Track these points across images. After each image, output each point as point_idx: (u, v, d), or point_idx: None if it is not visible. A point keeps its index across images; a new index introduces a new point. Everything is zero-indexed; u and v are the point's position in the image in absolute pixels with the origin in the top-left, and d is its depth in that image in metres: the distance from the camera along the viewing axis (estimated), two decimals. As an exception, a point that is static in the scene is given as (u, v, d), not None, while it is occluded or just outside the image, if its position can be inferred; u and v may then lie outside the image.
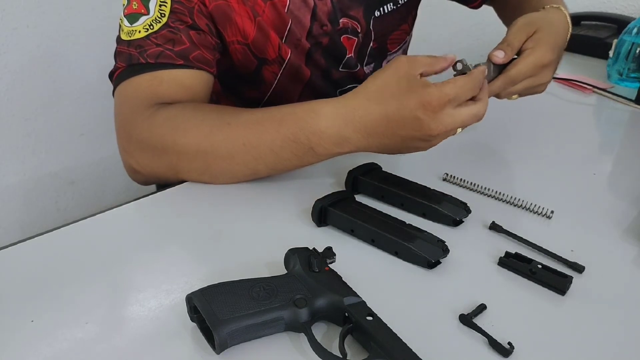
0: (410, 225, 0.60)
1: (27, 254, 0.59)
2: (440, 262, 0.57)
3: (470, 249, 0.59)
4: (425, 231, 0.59)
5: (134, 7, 0.72)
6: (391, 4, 0.89)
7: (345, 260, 0.54)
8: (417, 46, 1.10)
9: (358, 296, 0.49)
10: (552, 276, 0.54)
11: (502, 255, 0.57)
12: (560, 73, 0.92)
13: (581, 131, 0.91)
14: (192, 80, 0.73)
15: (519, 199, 0.67)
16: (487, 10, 1.05)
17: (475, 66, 0.64)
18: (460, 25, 1.68)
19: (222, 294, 0.47)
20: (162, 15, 0.72)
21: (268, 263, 0.56)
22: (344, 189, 0.69)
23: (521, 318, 0.51)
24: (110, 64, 0.75)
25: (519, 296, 0.54)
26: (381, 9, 0.88)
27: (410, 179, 0.68)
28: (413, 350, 0.44)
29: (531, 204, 0.66)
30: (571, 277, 0.54)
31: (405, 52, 1.03)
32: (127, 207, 0.68)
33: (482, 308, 0.51)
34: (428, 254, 0.56)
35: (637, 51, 1.05)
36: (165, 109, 0.70)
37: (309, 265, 0.51)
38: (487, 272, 0.57)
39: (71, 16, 1.35)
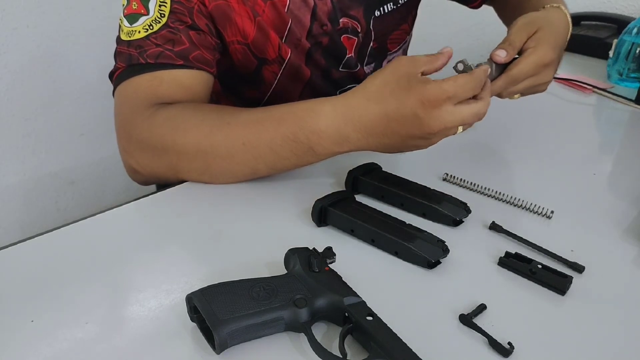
0: (410, 225, 0.60)
1: (27, 254, 0.59)
2: (440, 262, 0.57)
3: (470, 249, 0.59)
4: (425, 231, 0.59)
5: (134, 8, 0.72)
6: (391, 3, 0.89)
7: (345, 260, 0.54)
8: (417, 46, 1.09)
9: (358, 296, 0.49)
10: (552, 276, 0.54)
11: (502, 255, 0.57)
12: (560, 73, 0.92)
13: (581, 131, 0.91)
14: (192, 80, 0.73)
15: (519, 199, 0.67)
16: (487, 10, 1.05)
17: (477, 66, 0.64)
18: (460, 25, 1.68)
19: (222, 294, 0.47)
20: (162, 15, 0.72)
21: (268, 263, 0.56)
22: (344, 189, 0.69)
23: (521, 318, 0.51)
24: (110, 64, 0.75)
25: (519, 296, 0.54)
26: (381, 8, 0.88)
27: (410, 179, 0.68)
28: (413, 350, 0.44)
29: (531, 204, 0.66)
30: (571, 277, 0.54)
31: (405, 52, 1.03)
32: (127, 207, 0.68)
33: (482, 308, 0.51)
34: (428, 254, 0.56)
35: (637, 51, 1.05)
36: (165, 109, 0.70)
37: (309, 265, 0.51)
38: (487, 272, 0.57)
39: (71, 16, 1.35)
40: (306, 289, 0.49)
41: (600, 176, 0.77)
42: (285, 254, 0.53)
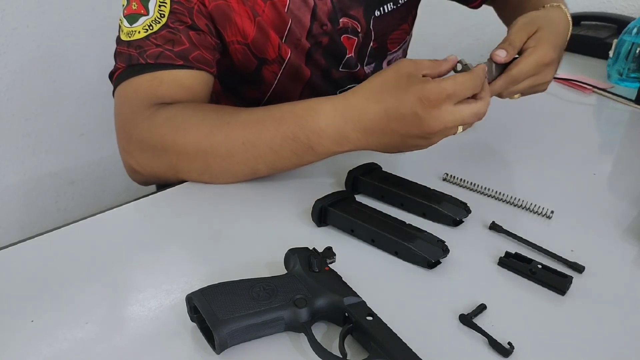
0: (410, 225, 0.60)
1: (27, 254, 0.59)
2: (440, 262, 0.57)
3: (470, 249, 0.59)
4: (425, 231, 0.59)
5: (134, 8, 0.72)
6: (391, 3, 0.89)
7: (345, 260, 0.54)
8: (417, 46, 1.10)
9: (358, 296, 0.49)
10: (552, 276, 0.54)
11: (502, 255, 0.57)
12: (560, 73, 0.92)
13: (581, 131, 0.91)
14: (191, 80, 0.73)
15: (519, 199, 0.67)
16: (487, 10, 1.05)
17: (476, 66, 0.64)
18: (460, 25, 1.67)
19: (222, 294, 0.47)
20: (162, 15, 0.72)
21: (268, 263, 0.56)
22: (344, 189, 0.69)
23: (521, 318, 0.51)
24: (110, 64, 0.75)
25: (519, 296, 0.54)
26: (381, 8, 0.88)
27: (410, 179, 0.68)
28: (413, 350, 0.44)
29: (531, 204, 0.66)
30: (571, 277, 0.54)
31: (405, 52, 1.03)
32: (127, 207, 0.68)
33: (482, 308, 0.51)
34: (428, 254, 0.56)
35: (637, 51, 1.05)
36: (165, 109, 0.70)
37: (309, 265, 0.51)
38: (487, 272, 0.57)
39: (71, 16, 1.35)
40: (306, 289, 0.49)
41: (600, 176, 0.77)
42: (285, 254, 0.53)
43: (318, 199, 0.62)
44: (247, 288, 0.48)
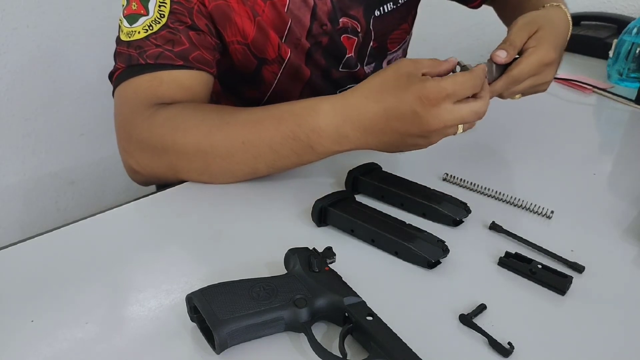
0: (410, 225, 0.60)
1: (27, 254, 0.59)
2: (440, 262, 0.57)
3: (470, 249, 0.59)
4: (425, 231, 0.59)
5: (134, 8, 0.72)
6: (391, 3, 0.89)
7: (345, 260, 0.54)
8: (417, 46, 1.10)
9: (358, 296, 0.49)
10: (552, 276, 0.54)
11: (502, 255, 0.57)
12: (560, 73, 0.92)
13: (581, 131, 0.91)
14: (191, 80, 0.73)
15: (519, 199, 0.67)
16: (487, 10, 1.05)
17: (476, 66, 0.64)
18: (460, 25, 1.67)
19: (222, 294, 0.47)
20: (162, 15, 0.72)
21: (268, 263, 0.56)
22: (344, 189, 0.69)
23: (521, 318, 0.51)
24: (110, 64, 0.75)
25: (519, 296, 0.54)
26: (381, 8, 0.88)
27: (410, 179, 0.68)
28: (413, 350, 0.44)
29: (531, 204, 0.66)
30: (571, 277, 0.54)
31: (405, 52, 1.03)
32: (127, 207, 0.68)
33: (482, 308, 0.51)
34: (428, 254, 0.56)
35: (637, 51, 1.05)
36: (165, 109, 0.70)
37: (309, 265, 0.51)
38: (487, 272, 0.57)
39: (71, 16, 1.35)
40: (306, 289, 0.49)
41: (600, 176, 0.77)
42: (285, 254, 0.53)
43: (318, 199, 0.62)
44: (247, 288, 0.48)
